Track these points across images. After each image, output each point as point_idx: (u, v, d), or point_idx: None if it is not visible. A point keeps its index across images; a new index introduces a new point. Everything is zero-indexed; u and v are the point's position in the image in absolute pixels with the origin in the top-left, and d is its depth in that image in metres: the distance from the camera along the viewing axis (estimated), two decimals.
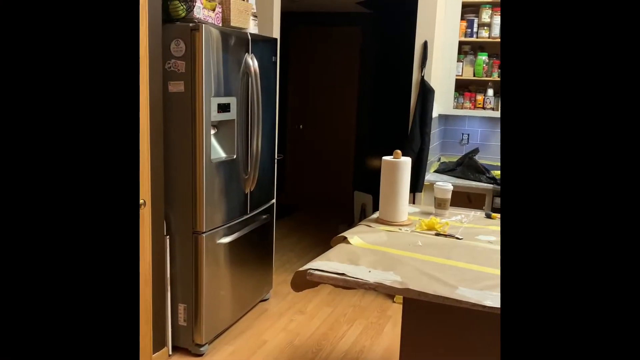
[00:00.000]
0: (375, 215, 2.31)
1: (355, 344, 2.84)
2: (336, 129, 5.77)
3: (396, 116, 4.05)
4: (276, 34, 3.36)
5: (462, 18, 3.36)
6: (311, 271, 1.64)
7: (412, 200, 3.30)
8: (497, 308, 1.42)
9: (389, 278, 1.58)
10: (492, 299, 1.46)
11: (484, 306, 1.44)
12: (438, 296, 1.49)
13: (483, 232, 2.12)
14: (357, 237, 1.97)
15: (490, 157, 3.74)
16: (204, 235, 2.56)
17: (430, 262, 1.74)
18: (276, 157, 3.31)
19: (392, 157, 2.21)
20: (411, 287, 1.52)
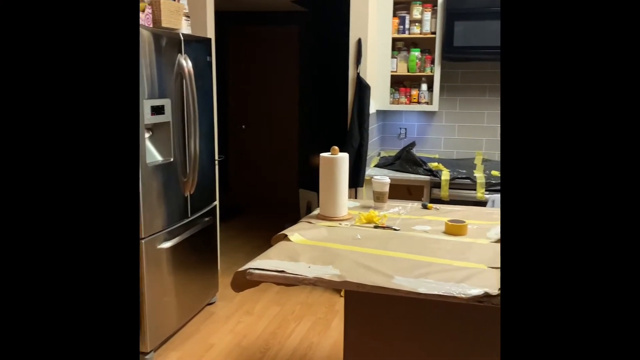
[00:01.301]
0: (316, 211, 2.33)
1: (303, 340, 2.86)
2: (279, 127, 5.77)
3: (336, 113, 4.11)
4: (210, 34, 3.32)
5: (394, 15, 3.45)
6: (251, 271, 1.64)
7: (354, 195, 3.35)
8: (431, 294, 1.48)
9: (327, 272, 1.61)
10: (426, 286, 1.51)
11: (419, 293, 1.49)
12: (375, 286, 1.53)
13: (419, 223, 2.19)
14: (298, 234, 1.98)
15: (427, 149, 3.86)
16: (143, 241, 2.50)
17: (368, 254, 1.78)
18: (217, 158, 3.28)
19: (329, 153, 2.24)
20: (349, 280, 1.55)
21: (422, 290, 1.49)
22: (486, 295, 1.45)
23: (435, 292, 1.48)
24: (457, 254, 1.80)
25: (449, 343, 1.78)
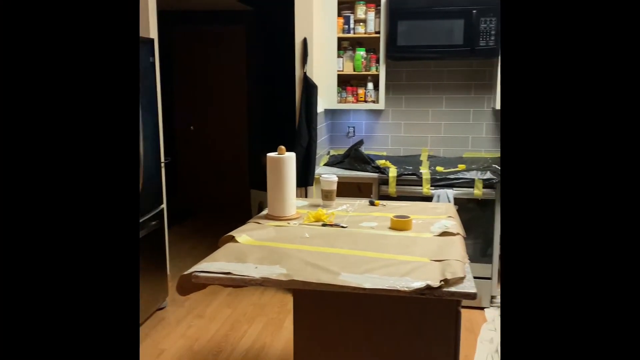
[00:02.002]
0: (265, 211, 2.33)
1: (256, 341, 2.85)
2: (229, 128, 5.71)
3: (285, 113, 4.11)
4: (153, 34, 3.25)
5: (339, 15, 3.48)
6: (196, 274, 1.62)
7: (304, 194, 3.37)
8: (375, 289, 1.51)
9: (274, 272, 1.61)
10: (371, 281, 1.55)
11: (364, 288, 1.52)
12: (321, 284, 1.55)
13: (366, 219, 2.23)
14: (245, 234, 1.98)
15: (375, 147, 3.92)
16: None
17: (316, 252, 1.80)
18: (162, 160, 3.21)
19: (276, 153, 2.24)
20: (296, 279, 1.57)
21: (367, 285, 1.52)
22: (428, 288, 1.50)
23: (380, 287, 1.51)
24: (401, 248, 1.84)
25: (397, 336, 1.82)
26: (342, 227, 2.10)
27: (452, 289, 1.51)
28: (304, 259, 1.72)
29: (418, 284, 1.51)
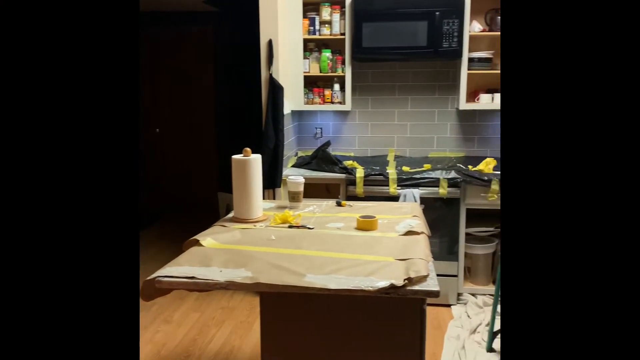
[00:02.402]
0: (231, 214, 2.31)
1: (224, 345, 2.83)
2: (196, 130, 5.64)
3: (252, 115, 4.09)
4: None
5: (304, 16, 3.49)
6: (159, 279, 1.60)
7: (272, 196, 3.36)
8: (340, 289, 1.52)
9: (240, 275, 1.60)
10: (336, 281, 1.55)
11: (329, 289, 1.53)
12: (287, 285, 1.55)
13: (333, 220, 2.24)
14: (210, 238, 1.96)
15: (343, 148, 3.94)
16: None
17: (282, 254, 1.79)
18: None
19: (242, 155, 2.23)
20: (261, 281, 1.56)
21: (332, 286, 1.53)
22: (392, 287, 1.51)
23: (345, 287, 1.52)
24: (367, 248, 1.86)
25: (363, 335, 1.83)
26: (309, 228, 2.11)
27: (416, 287, 1.54)
28: (269, 261, 1.72)
29: (382, 283, 1.53)
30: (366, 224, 2.10)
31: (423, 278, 1.58)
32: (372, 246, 1.88)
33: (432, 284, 1.55)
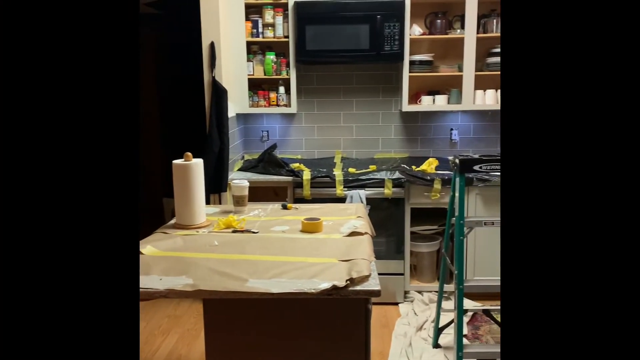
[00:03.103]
0: (173, 220, 2.26)
1: (171, 353, 2.76)
2: (141, 136, 5.48)
3: (196, 119, 4.02)
4: None
5: (247, 19, 3.46)
6: None
7: (218, 200, 3.31)
8: (284, 293, 1.52)
9: (180, 283, 1.57)
10: (279, 285, 1.55)
11: (272, 293, 1.52)
12: (228, 291, 1.53)
13: (278, 223, 2.23)
14: (150, 246, 1.91)
15: (290, 150, 3.94)
16: None
17: (225, 260, 1.77)
18: None
19: (182, 160, 2.18)
20: (202, 288, 1.53)
21: (275, 290, 1.52)
22: (334, 288, 1.52)
23: (287, 290, 1.52)
24: (311, 250, 1.86)
25: (309, 337, 1.83)
26: (253, 232, 2.09)
27: (358, 287, 1.55)
28: (211, 267, 1.69)
29: (325, 285, 1.53)
30: (311, 226, 2.10)
31: (365, 278, 1.60)
32: (317, 248, 1.88)
33: (373, 284, 1.57)
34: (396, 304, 3.37)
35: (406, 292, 3.44)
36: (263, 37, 3.50)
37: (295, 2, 3.38)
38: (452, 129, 3.86)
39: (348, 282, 1.55)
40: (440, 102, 3.58)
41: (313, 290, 1.52)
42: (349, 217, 2.32)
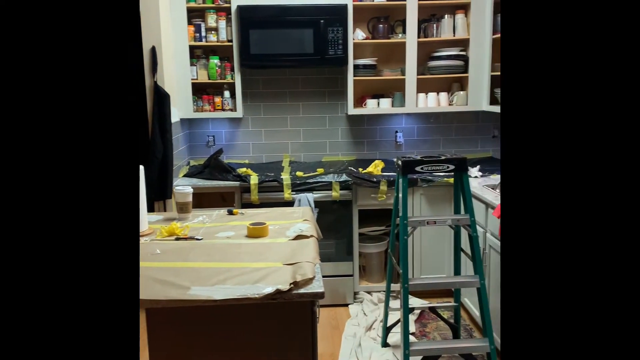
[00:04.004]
0: None
1: None
2: None
3: (138, 124, 3.91)
4: None
5: (190, 23, 3.41)
6: None
7: (164, 208, 3.24)
8: (227, 299, 1.50)
9: None
10: (222, 292, 1.53)
11: (215, 300, 1.50)
12: (171, 300, 1.50)
13: (223, 229, 2.20)
14: None
15: (237, 155, 3.91)
16: None
17: (167, 268, 1.73)
18: None
19: None
20: (143, 297, 1.49)
21: (218, 296, 1.51)
22: (278, 292, 1.52)
23: (231, 297, 1.51)
24: (256, 255, 1.85)
25: (255, 342, 1.82)
26: (197, 239, 2.06)
27: (302, 290, 1.56)
28: (152, 276, 1.65)
29: (268, 289, 1.53)
30: (256, 231, 2.09)
31: (309, 281, 1.61)
32: (262, 253, 1.88)
33: (317, 286, 1.58)
34: (346, 305, 3.40)
35: (356, 293, 3.48)
36: (206, 42, 3.46)
37: (238, 6, 3.36)
38: (397, 132, 3.95)
39: (292, 285, 1.55)
40: (384, 105, 3.65)
41: (256, 295, 1.51)
42: (296, 220, 2.33)
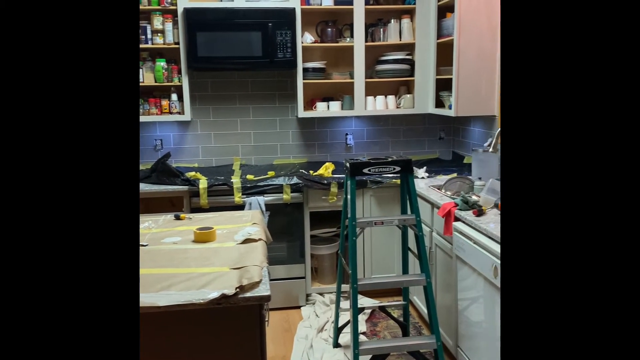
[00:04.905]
0: None
1: None
2: None
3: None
4: None
5: None
6: None
7: None
8: (172, 305, 1.48)
9: None
10: (167, 298, 1.51)
11: (159, 307, 1.48)
12: None
13: (170, 235, 2.17)
14: None
15: (186, 159, 3.85)
16: None
17: None
18: None
19: None
20: None
21: (162, 303, 1.49)
22: (223, 297, 1.52)
23: (175, 302, 1.49)
24: (202, 260, 1.83)
25: (204, 348, 1.80)
26: (143, 245, 2.02)
27: (248, 294, 1.56)
28: None
29: (214, 294, 1.52)
30: (203, 236, 2.07)
31: (256, 284, 1.61)
32: (208, 258, 1.86)
33: (263, 289, 1.58)
34: (299, 307, 3.41)
35: (308, 295, 3.49)
36: (152, 44, 3.39)
37: (185, 8, 3.31)
38: (347, 134, 4.00)
39: (237, 289, 1.55)
40: (334, 108, 3.69)
41: (201, 301, 1.50)
42: (244, 224, 2.32)
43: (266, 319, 1.81)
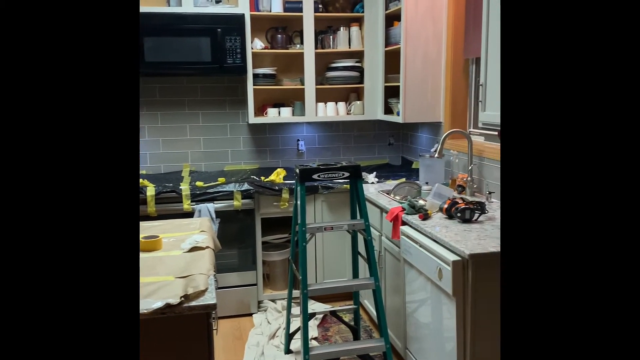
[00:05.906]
0: None
1: None
2: None
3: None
4: None
5: None
6: None
7: None
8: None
9: None
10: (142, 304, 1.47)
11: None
12: None
13: None
14: None
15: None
16: None
17: None
18: None
19: None
20: None
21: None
22: (168, 306, 1.49)
23: None
24: (147, 270, 1.80)
25: (150, 359, 1.76)
26: None
27: (193, 303, 1.54)
28: None
29: (158, 304, 1.50)
30: (149, 245, 2.03)
31: (201, 293, 1.59)
32: (153, 267, 1.82)
33: (209, 298, 1.57)
34: (250, 314, 3.38)
35: (260, 302, 3.47)
36: None
37: None
38: (299, 140, 4.01)
39: (182, 299, 1.53)
40: (285, 114, 3.70)
41: (145, 311, 1.47)
42: (192, 232, 2.29)
43: (215, 328, 1.79)
